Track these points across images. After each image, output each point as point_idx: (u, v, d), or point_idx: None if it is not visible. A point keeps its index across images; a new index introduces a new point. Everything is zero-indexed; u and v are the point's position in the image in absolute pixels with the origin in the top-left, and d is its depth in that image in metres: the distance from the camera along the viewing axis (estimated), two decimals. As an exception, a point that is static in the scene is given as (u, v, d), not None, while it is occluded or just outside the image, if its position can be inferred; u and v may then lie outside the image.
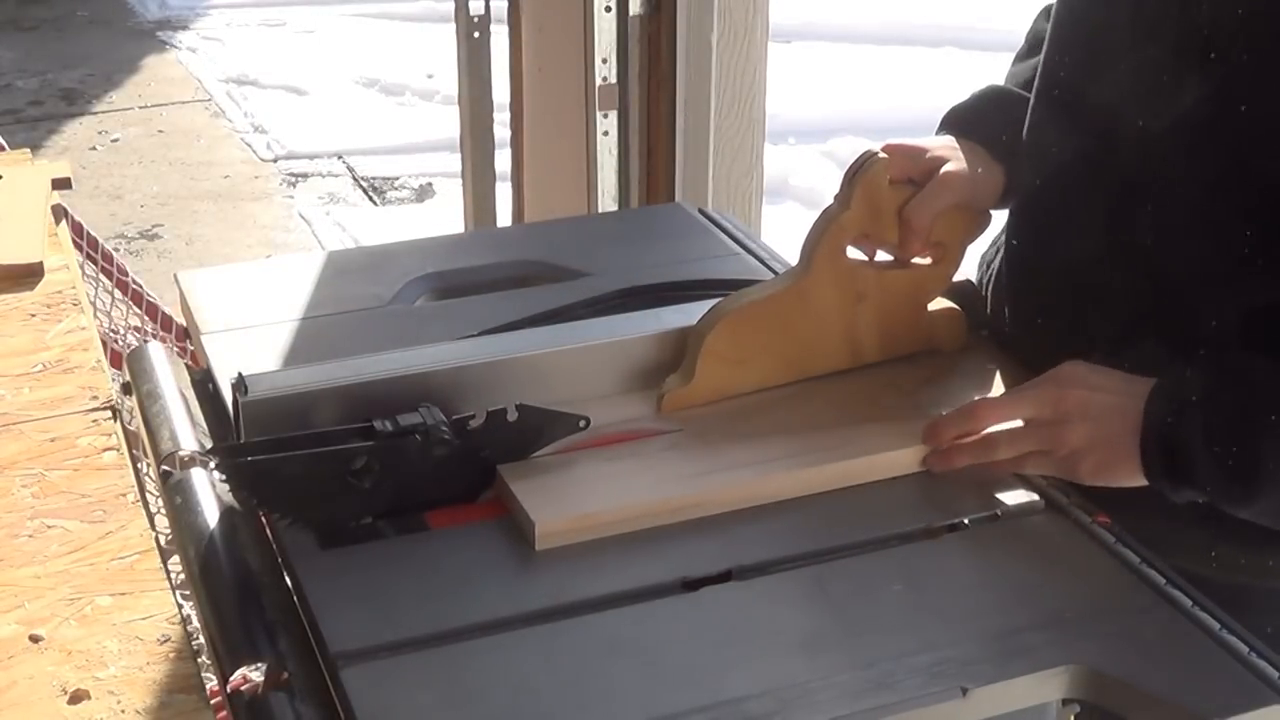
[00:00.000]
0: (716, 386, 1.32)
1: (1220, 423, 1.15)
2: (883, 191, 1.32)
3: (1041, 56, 1.36)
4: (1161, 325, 1.25)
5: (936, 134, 1.42)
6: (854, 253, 1.35)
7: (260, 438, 1.19)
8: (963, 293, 1.44)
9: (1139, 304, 1.27)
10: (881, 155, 1.31)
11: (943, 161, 1.35)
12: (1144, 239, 1.24)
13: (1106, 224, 1.27)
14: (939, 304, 1.41)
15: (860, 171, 1.30)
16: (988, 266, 1.51)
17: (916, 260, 1.36)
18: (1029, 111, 1.36)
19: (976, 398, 1.31)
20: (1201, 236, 1.21)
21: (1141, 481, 1.19)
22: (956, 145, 1.38)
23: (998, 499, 1.22)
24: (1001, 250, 1.44)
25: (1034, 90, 1.36)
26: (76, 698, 1.12)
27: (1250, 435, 1.15)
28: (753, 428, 1.29)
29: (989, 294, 1.48)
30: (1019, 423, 1.23)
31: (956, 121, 1.42)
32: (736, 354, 1.32)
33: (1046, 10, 1.46)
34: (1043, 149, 1.34)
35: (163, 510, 1.28)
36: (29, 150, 2.29)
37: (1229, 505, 1.18)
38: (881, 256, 1.37)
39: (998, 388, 1.36)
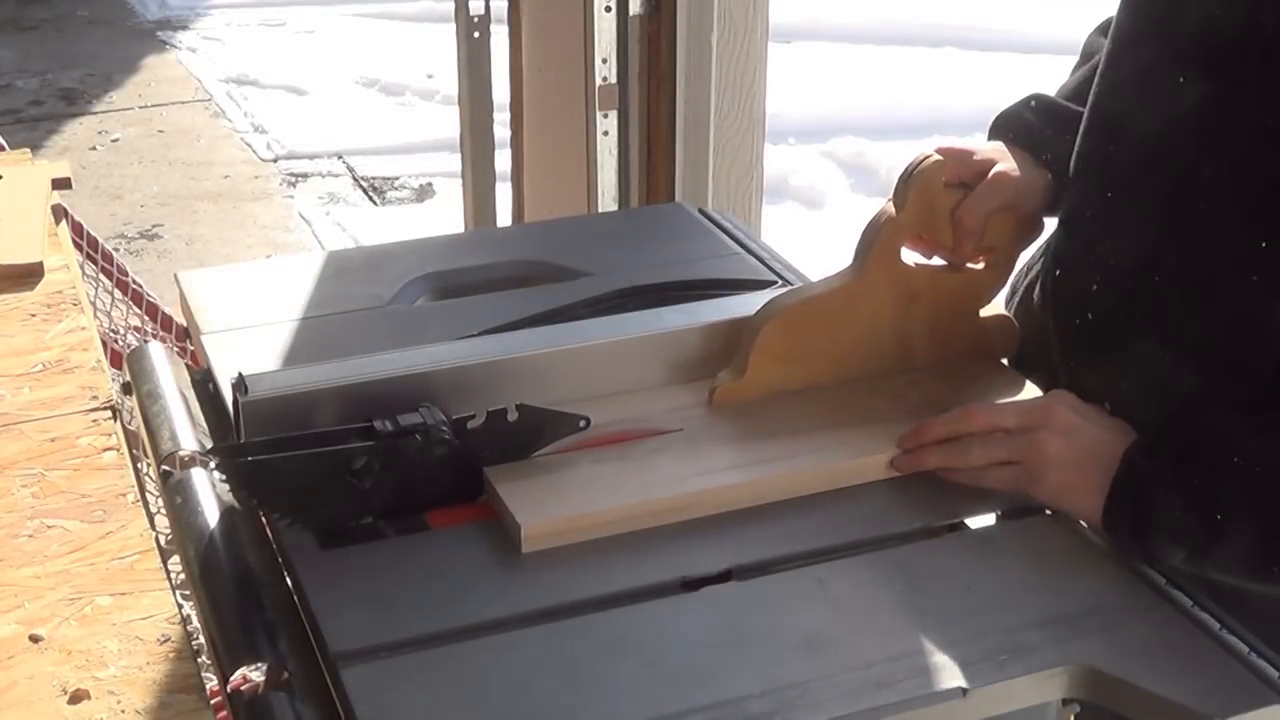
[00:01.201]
0: (768, 382, 1.33)
1: (1184, 465, 1.15)
2: (937, 193, 1.33)
3: (1097, 74, 1.35)
4: (1198, 343, 1.24)
5: (988, 139, 1.43)
6: (908, 255, 1.36)
7: (260, 438, 1.19)
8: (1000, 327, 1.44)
9: (1180, 315, 1.25)
10: (937, 157, 1.31)
11: (992, 164, 1.36)
12: (1190, 252, 1.23)
13: (1154, 236, 1.27)
14: (992, 309, 1.41)
15: (916, 173, 1.31)
16: (1028, 272, 1.52)
17: (970, 265, 1.37)
18: (1083, 121, 1.35)
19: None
20: (1238, 248, 1.20)
21: (1094, 519, 1.17)
22: (1005, 149, 1.39)
23: (998, 499, 1.22)
24: (1045, 256, 1.44)
25: (1088, 104, 1.35)
26: (76, 698, 1.12)
27: (1214, 477, 1.13)
28: (742, 430, 1.29)
29: (1025, 299, 1.48)
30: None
31: (1002, 126, 1.43)
32: (789, 350, 1.33)
33: (1102, 26, 1.46)
34: (1093, 162, 1.34)
35: (163, 510, 1.28)
36: (29, 150, 2.29)
37: (1195, 554, 1.15)
38: (935, 260, 1.38)
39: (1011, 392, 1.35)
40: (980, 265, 1.38)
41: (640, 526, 1.18)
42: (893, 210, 1.32)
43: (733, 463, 1.24)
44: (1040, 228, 1.41)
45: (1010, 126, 1.42)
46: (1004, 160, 1.37)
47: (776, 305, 1.33)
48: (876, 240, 1.32)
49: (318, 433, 1.19)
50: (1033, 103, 1.44)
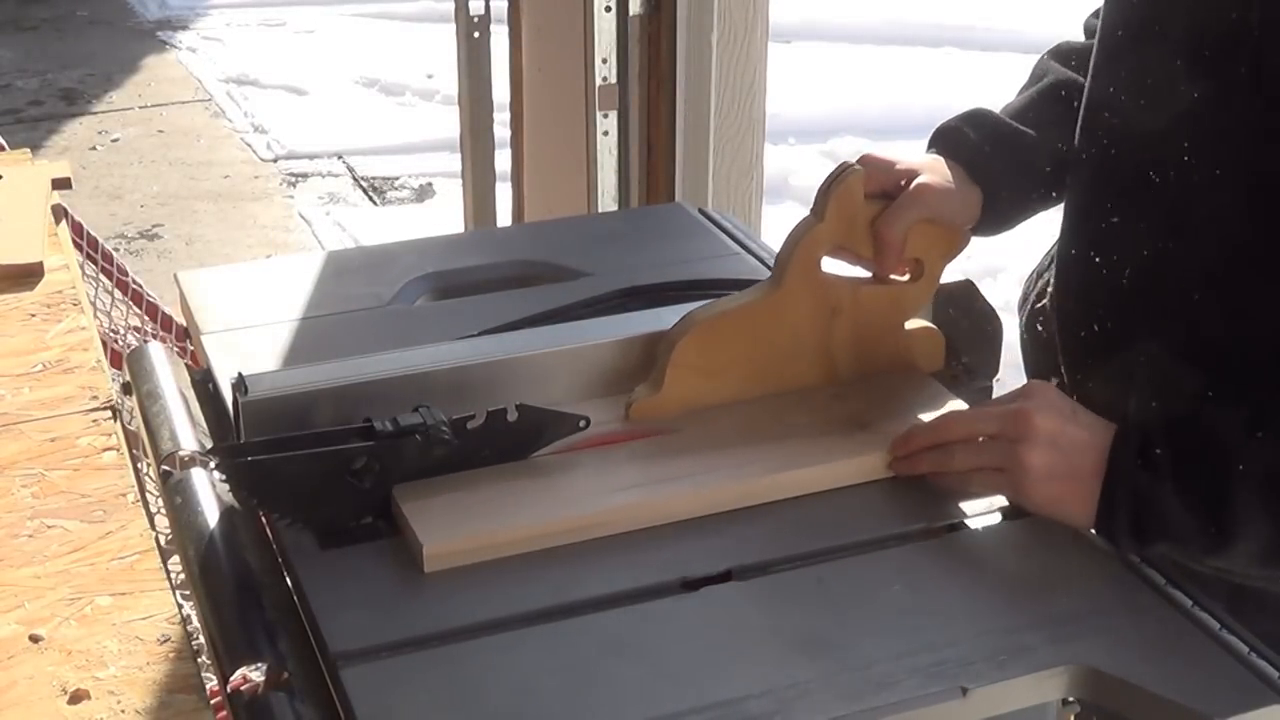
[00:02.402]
0: (685, 396, 1.30)
1: (1188, 469, 1.13)
2: (857, 204, 1.31)
3: (1088, 79, 1.35)
4: (1204, 343, 1.24)
5: (926, 151, 1.41)
6: (840, 268, 1.34)
7: (260, 438, 1.19)
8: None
9: (1189, 318, 1.25)
10: (857, 168, 1.30)
11: (915, 174, 1.34)
12: (1195, 252, 1.23)
13: (1156, 237, 1.26)
14: (917, 323, 1.39)
15: (835, 183, 1.29)
16: (1036, 279, 1.51)
17: (894, 277, 1.35)
18: (1079, 122, 1.35)
19: (924, 416, 1.29)
20: (1239, 245, 1.20)
21: (1087, 525, 1.16)
22: (939, 161, 1.37)
23: (997, 499, 1.22)
24: (1054, 262, 1.43)
25: (1082, 104, 1.35)
26: (76, 698, 1.12)
27: (1221, 480, 1.12)
28: (655, 446, 1.27)
29: (1034, 311, 1.48)
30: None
31: (939, 139, 1.42)
32: (706, 365, 1.31)
33: (1055, 51, 1.47)
34: (1092, 167, 1.33)
35: (163, 510, 1.28)
36: (29, 150, 2.29)
37: (1202, 554, 1.15)
38: (861, 273, 1.36)
39: (934, 406, 1.32)
40: (904, 278, 1.36)
41: (546, 545, 1.15)
42: (813, 222, 1.30)
43: (642, 480, 1.22)
44: (966, 241, 1.38)
45: (947, 140, 1.40)
46: (929, 172, 1.34)
47: (693, 318, 1.30)
48: (796, 252, 1.30)
49: (318, 433, 1.19)
50: (973, 118, 1.42)
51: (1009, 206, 1.41)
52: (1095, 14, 1.41)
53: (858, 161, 1.32)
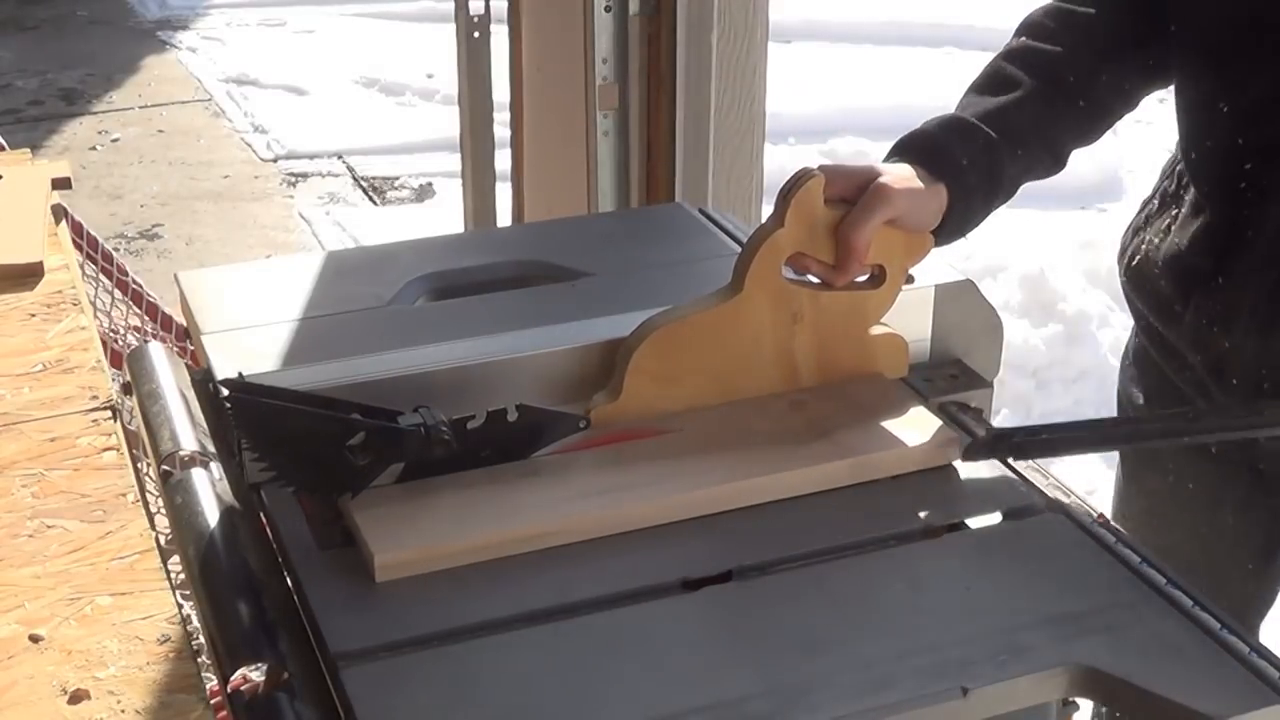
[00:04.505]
0: (644, 404, 1.29)
1: None
2: (818, 210, 1.29)
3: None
4: None
5: (885, 158, 1.41)
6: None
7: (276, 386, 1.19)
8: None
9: None
10: (816, 172, 1.29)
11: (875, 176, 1.33)
12: None
13: None
14: (881, 328, 1.38)
15: (794, 188, 1.28)
16: (1134, 234, 1.55)
17: (857, 282, 1.34)
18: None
19: (886, 423, 1.29)
20: None
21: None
22: (902, 165, 1.36)
23: (998, 499, 1.22)
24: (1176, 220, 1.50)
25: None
26: (76, 698, 1.12)
27: None
28: (614, 454, 1.26)
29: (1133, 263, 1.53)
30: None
31: (901, 146, 1.41)
32: (665, 371, 1.30)
33: (1007, 52, 1.49)
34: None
35: (163, 510, 1.28)
36: (29, 150, 2.29)
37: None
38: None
39: (897, 412, 1.32)
40: (867, 282, 1.34)
41: (499, 555, 1.15)
42: (772, 227, 1.29)
43: (597, 489, 1.21)
44: (930, 246, 1.37)
45: (913, 143, 1.40)
46: (888, 174, 1.33)
47: (651, 325, 1.29)
48: (755, 259, 1.29)
49: (328, 398, 1.19)
50: (942, 120, 1.43)
51: (980, 208, 1.41)
52: (1037, 14, 1.49)
53: (817, 169, 1.31)
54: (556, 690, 1.02)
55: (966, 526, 1.21)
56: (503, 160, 2.89)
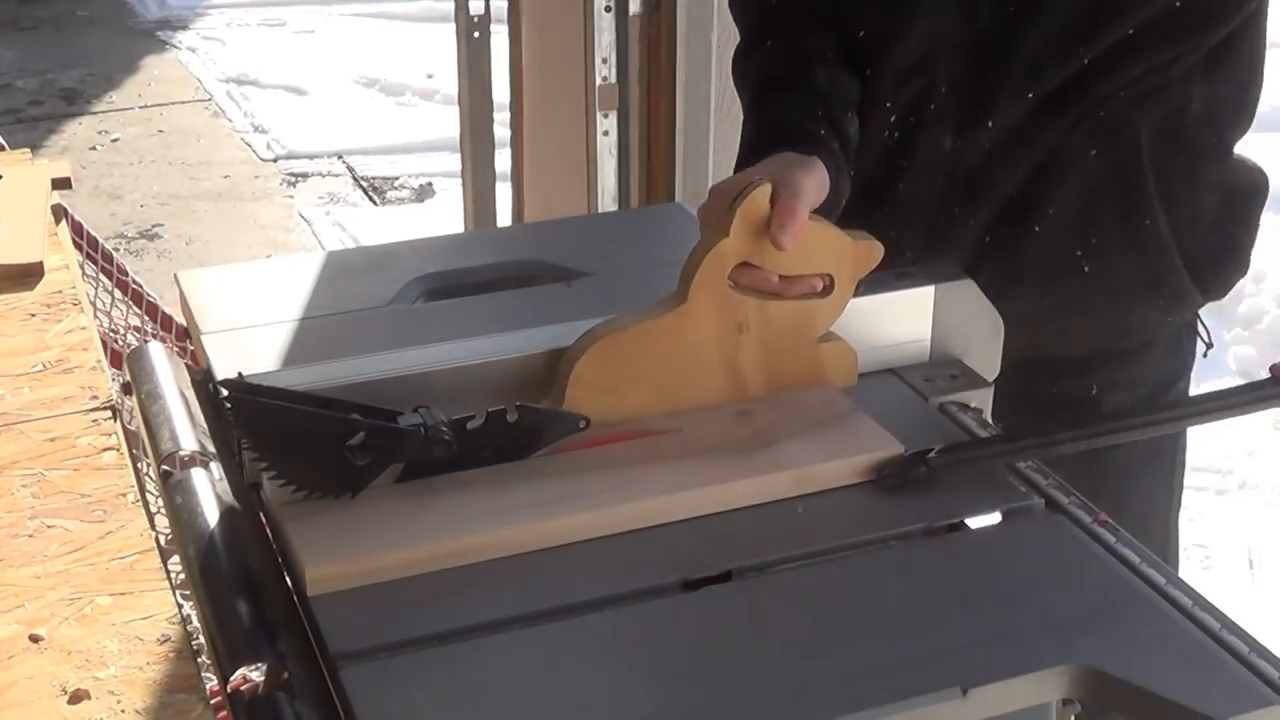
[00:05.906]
0: (587, 414, 1.27)
1: None
2: (764, 218, 1.28)
3: None
4: None
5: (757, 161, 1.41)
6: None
7: (275, 385, 1.19)
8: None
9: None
10: (764, 181, 1.27)
11: (778, 171, 1.32)
12: None
13: None
14: (829, 338, 1.36)
15: (739, 198, 1.26)
16: None
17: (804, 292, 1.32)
18: None
19: (831, 433, 1.28)
20: None
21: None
22: (778, 157, 1.37)
23: (997, 499, 1.22)
24: None
25: None
26: (76, 698, 1.12)
27: None
28: (556, 465, 1.24)
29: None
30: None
31: (761, 140, 1.45)
32: (607, 382, 1.28)
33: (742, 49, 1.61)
34: None
35: (163, 510, 1.28)
36: (29, 150, 2.29)
37: None
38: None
39: (843, 423, 1.31)
40: (818, 292, 1.32)
41: (431, 569, 1.13)
42: (717, 237, 1.28)
43: (534, 501, 1.19)
44: (878, 253, 1.33)
45: (772, 133, 1.44)
46: (782, 168, 1.32)
47: (593, 335, 1.28)
48: (700, 268, 1.27)
49: (328, 398, 1.20)
50: (782, 108, 1.50)
51: (846, 169, 1.45)
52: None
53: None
54: (556, 690, 1.02)
55: (966, 526, 1.21)
56: (503, 160, 2.89)
